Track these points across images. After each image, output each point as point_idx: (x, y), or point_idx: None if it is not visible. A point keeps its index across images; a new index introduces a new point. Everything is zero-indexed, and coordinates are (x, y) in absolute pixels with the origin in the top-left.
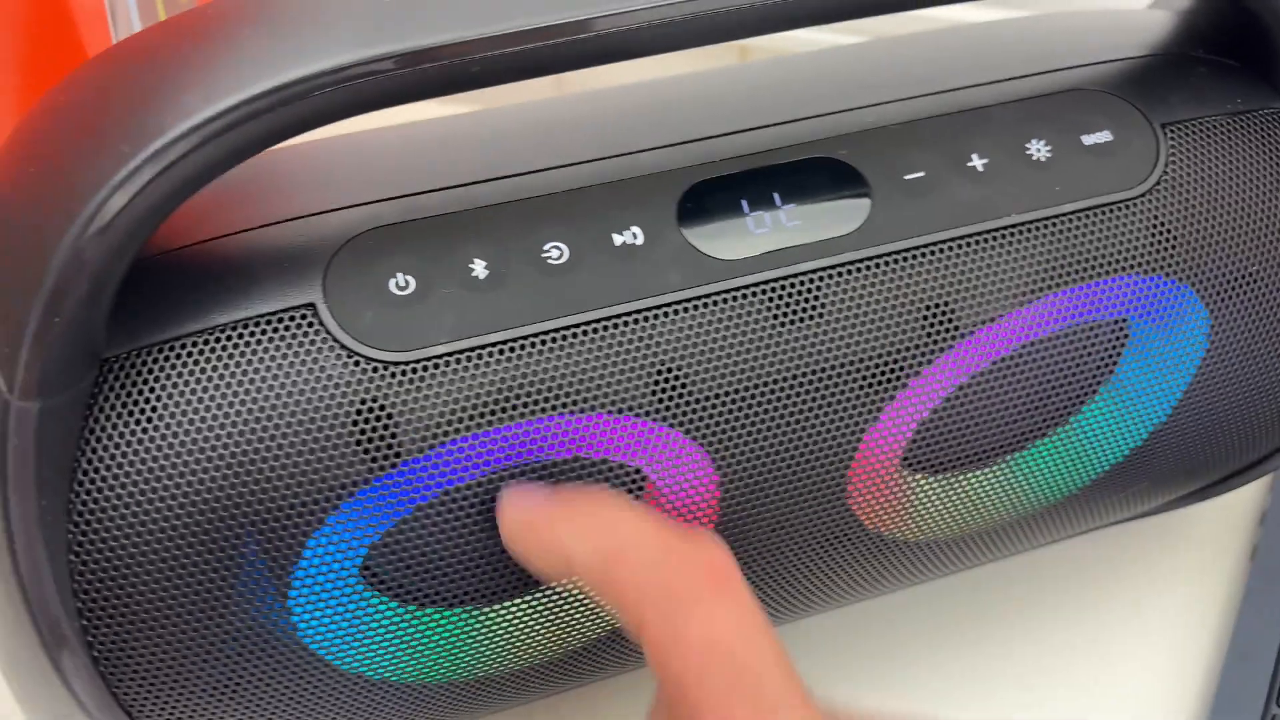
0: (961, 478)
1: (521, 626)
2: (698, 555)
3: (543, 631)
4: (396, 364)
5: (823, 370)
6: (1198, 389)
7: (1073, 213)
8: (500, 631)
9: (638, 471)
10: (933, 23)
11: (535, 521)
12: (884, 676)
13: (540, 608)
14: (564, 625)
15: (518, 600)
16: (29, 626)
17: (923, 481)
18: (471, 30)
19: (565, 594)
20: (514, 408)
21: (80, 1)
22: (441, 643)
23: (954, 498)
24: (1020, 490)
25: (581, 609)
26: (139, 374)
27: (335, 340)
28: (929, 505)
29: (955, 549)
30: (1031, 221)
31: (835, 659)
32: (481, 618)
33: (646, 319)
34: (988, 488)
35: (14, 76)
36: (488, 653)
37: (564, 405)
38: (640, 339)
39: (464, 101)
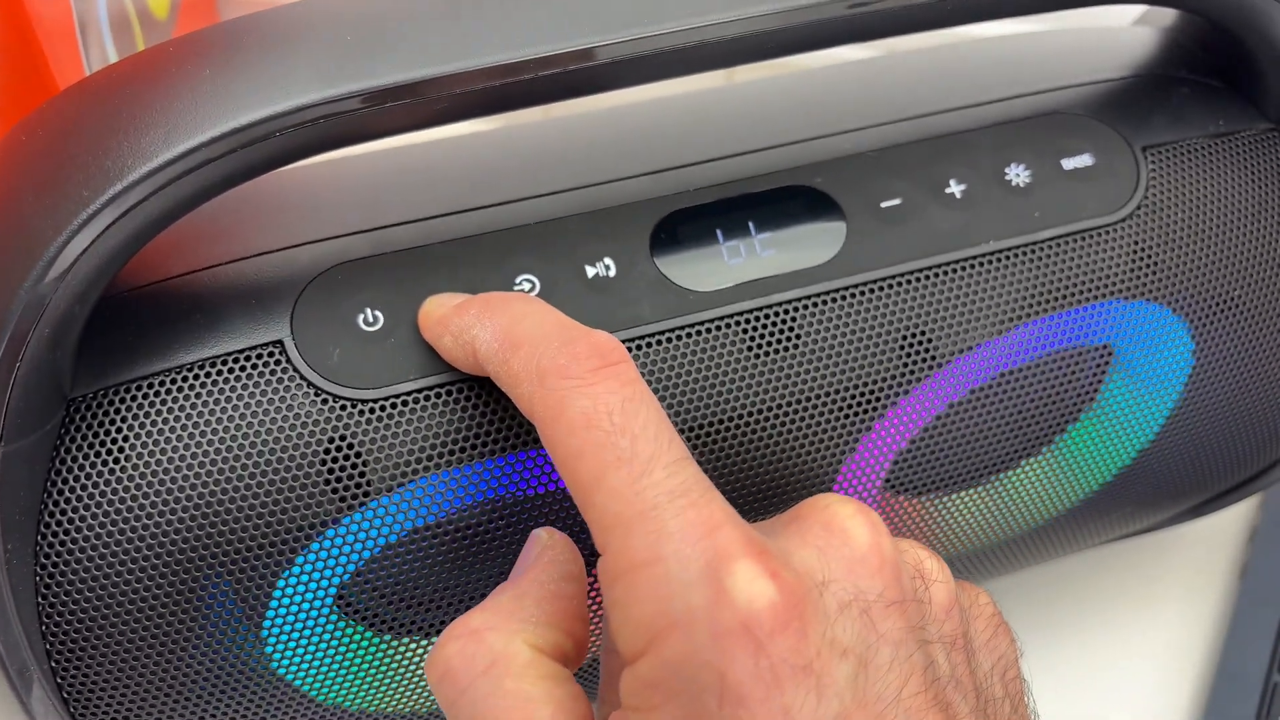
0: (945, 501)
1: None
2: (588, 340)
3: None
4: (365, 401)
5: (799, 401)
6: (1183, 413)
7: (1052, 239)
8: None
9: None
10: (916, 41)
11: (447, 310)
12: None
13: None
14: None
15: None
16: None
17: (905, 506)
18: (435, 68)
19: None
20: (484, 444)
21: (48, 31)
22: (419, 672)
23: (937, 521)
24: (1004, 513)
25: None
26: (106, 414)
27: (303, 378)
28: (911, 530)
29: None
30: (1011, 248)
31: None
32: None
33: None
34: (971, 511)
35: None
36: None
37: (535, 441)
38: None
39: None
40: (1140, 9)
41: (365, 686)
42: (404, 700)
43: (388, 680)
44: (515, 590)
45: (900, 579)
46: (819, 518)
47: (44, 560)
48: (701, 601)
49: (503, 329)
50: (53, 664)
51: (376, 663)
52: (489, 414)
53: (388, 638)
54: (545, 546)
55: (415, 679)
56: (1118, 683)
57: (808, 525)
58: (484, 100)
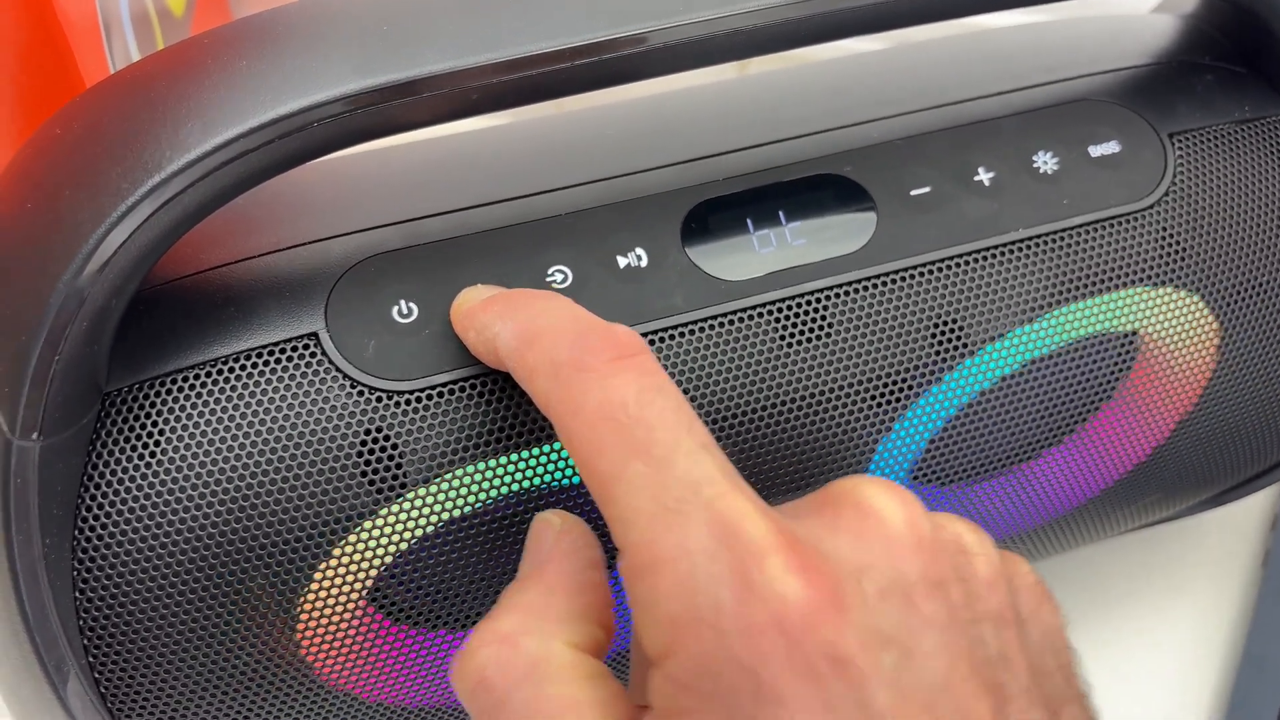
0: (972, 489)
1: None
2: (607, 334)
3: None
4: (400, 393)
5: (831, 390)
6: (1209, 399)
7: (1081, 226)
8: None
9: None
10: (940, 30)
11: (473, 305)
12: None
13: None
14: None
15: None
16: (34, 662)
17: (933, 495)
18: (473, 57)
19: None
20: (520, 435)
21: (75, 28)
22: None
23: (964, 510)
24: (1028, 501)
25: None
26: (141, 408)
27: (338, 370)
28: None
29: None
30: (1039, 236)
31: None
32: None
33: (651, 342)
34: (997, 499)
35: (6, 107)
36: None
37: None
38: None
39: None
40: None
41: (399, 680)
42: (436, 694)
43: (421, 674)
44: (542, 586)
45: (939, 557)
46: (849, 499)
47: (81, 555)
48: (730, 598)
49: (522, 324)
50: (90, 658)
51: (411, 656)
52: (525, 405)
53: (423, 630)
54: (560, 532)
55: (448, 673)
56: (1142, 671)
57: (839, 509)
58: (520, 89)
